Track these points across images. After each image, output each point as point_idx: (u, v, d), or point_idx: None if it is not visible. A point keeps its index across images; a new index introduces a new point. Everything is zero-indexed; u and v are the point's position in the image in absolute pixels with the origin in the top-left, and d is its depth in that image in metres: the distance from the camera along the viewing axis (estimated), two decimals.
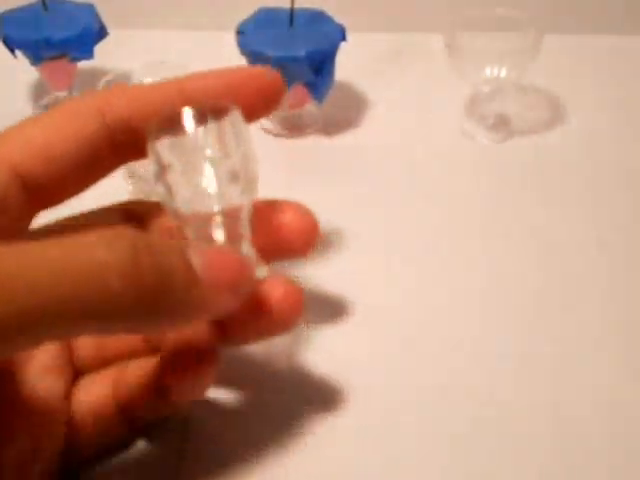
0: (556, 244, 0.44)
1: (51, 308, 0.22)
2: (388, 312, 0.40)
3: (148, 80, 0.47)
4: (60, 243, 0.23)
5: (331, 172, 0.49)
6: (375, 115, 0.54)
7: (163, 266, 0.24)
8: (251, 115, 0.31)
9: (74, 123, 0.29)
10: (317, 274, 0.41)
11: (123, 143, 0.30)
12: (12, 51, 0.50)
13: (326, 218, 0.45)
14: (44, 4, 0.51)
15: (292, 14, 0.49)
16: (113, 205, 0.33)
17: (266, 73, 0.32)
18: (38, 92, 0.55)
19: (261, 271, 0.30)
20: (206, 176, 0.29)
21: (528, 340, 0.39)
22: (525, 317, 0.40)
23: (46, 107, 0.54)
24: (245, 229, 0.30)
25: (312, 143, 0.52)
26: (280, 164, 0.49)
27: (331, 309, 0.40)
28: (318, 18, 0.50)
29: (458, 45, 0.48)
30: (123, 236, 0.24)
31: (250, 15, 0.51)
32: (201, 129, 0.29)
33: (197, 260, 0.25)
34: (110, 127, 0.29)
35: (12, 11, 0.51)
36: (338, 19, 0.50)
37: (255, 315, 0.29)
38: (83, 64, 0.51)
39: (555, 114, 0.53)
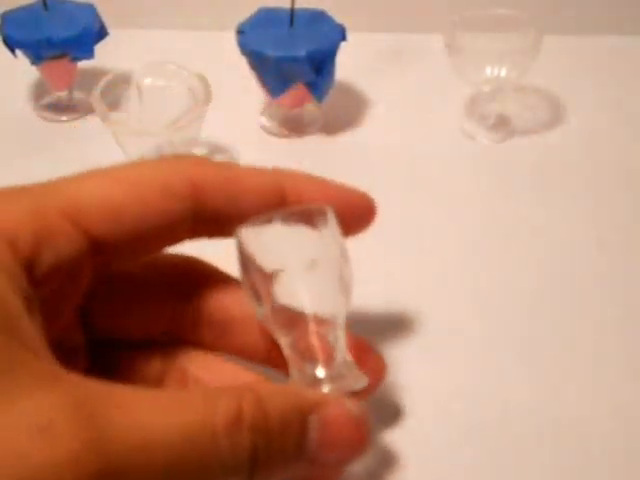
0: (556, 244, 0.44)
1: None
2: (387, 311, 0.40)
3: (148, 80, 0.47)
4: (182, 425, 0.22)
5: (331, 172, 0.49)
6: (375, 115, 0.54)
7: (277, 462, 0.23)
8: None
9: (164, 201, 0.27)
10: None
11: (205, 224, 0.28)
12: (12, 51, 0.50)
13: None
14: (44, 4, 0.51)
15: (292, 14, 0.49)
16: (172, 257, 0.31)
17: (365, 198, 0.32)
18: (38, 92, 0.55)
19: (361, 382, 0.28)
20: (302, 280, 0.27)
21: (528, 339, 0.39)
22: (525, 317, 0.40)
23: (47, 107, 0.54)
24: (342, 337, 0.28)
25: (312, 143, 0.52)
26: (280, 164, 0.49)
27: None
28: (318, 18, 0.50)
29: (458, 45, 0.48)
30: (243, 427, 0.23)
31: (250, 15, 0.51)
32: (298, 231, 0.28)
33: (315, 435, 0.24)
34: (198, 211, 0.28)
35: (12, 11, 0.51)
36: (338, 19, 0.50)
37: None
38: (83, 64, 0.51)
39: (555, 114, 0.53)
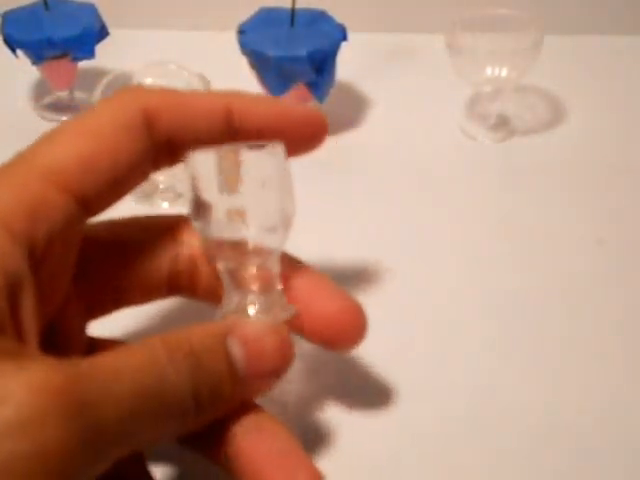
0: (556, 243, 0.44)
1: (130, 423, 0.23)
2: (387, 311, 0.40)
3: (149, 80, 0.47)
4: (141, 360, 0.25)
5: (331, 171, 0.49)
6: (376, 115, 0.54)
7: (214, 380, 0.26)
8: (291, 152, 0.31)
9: (129, 139, 0.28)
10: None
11: (162, 153, 0.29)
12: (13, 50, 0.50)
13: (325, 217, 0.46)
14: (45, 4, 0.51)
15: (293, 14, 0.49)
16: (154, 218, 0.32)
17: (316, 117, 0.32)
18: (39, 91, 0.55)
19: (288, 311, 0.29)
20: (244, 208, 0.28)
21: (528, 338, 0.39)
22: (525, 316, 0.40)
23: (47, 107, 0.54)
24: (276, 268, 0.29)
25: None
26: None
27: None
28: (319, 18, 0.50)
29: (458, 45, 0.48)
30: (182, 356, 0.25)
31: (251, 15, 0.51)
32: (244, 157, 0.28)
33: (239, 352, 0.27)
34: (155, 141, 0.29)
35: (13, 11, 0.51)
36: (339, 19, 0.50)
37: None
38: (84, 64, 0.51)
39: (555, 114, 0.54)
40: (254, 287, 0.29)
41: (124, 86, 0.30)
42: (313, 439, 0.34)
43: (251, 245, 0.29)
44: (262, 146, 0.29)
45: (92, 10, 0.52)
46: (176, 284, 0.32)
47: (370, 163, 0.50)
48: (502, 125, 0.52)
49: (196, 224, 0.29)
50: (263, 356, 0.27)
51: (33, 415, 0.21)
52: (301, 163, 0.50)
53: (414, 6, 0.61)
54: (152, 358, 0.25)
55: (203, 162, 0.28)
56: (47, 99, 0.54)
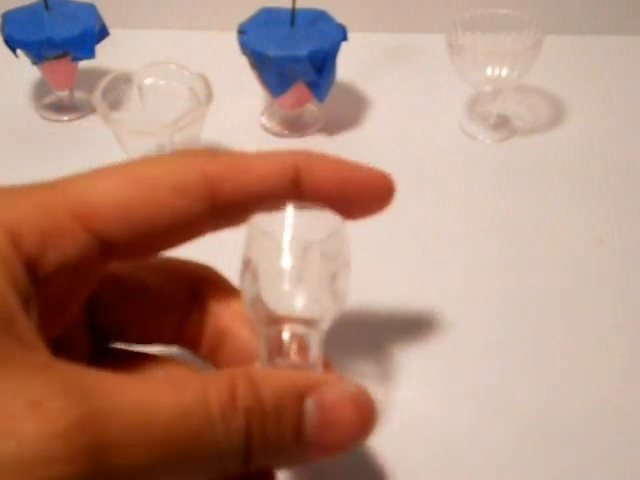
0: (557, 243, 0.44)
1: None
2: (389, 311, 0.40)
3: (149, 80, 0.47)
4: (182, 403, 0.22)
5: None
6: (376, 114, 0.54)
7: (273, 445, 0.23)
8: (356, 215, 0.30)
9: (178, 201, 0.26)
10: None
11: (224, 216, 0.28)
12: (14, 51, 0.50)
13: None
14: (46, 4, 0.51)
15: (294, 14, 0.49)
16: (182, 264, 0.30)
17: (383, 177, 0.31)
18: (39, 91, 0.55)
19: None
20: (297, 278, 0.27)
21: (529, 337, 0.39)
22: (525, 315, 0.40)
23: (47, 107, 0.54)
24: (317, 342, 0.27)
25: (313, 143, 0.52)
26: None
27: None
28: (319, 18, 0.50)
29: (459, 45, 0.48)
30: (237, 408, 0.22)
31: (251, 15, 0.51)
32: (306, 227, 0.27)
33: (313, 418, 0.24)
34: (215, 205, 0.27)
35: (14, 11, 0.51)
36: (339, 19, 0.50)
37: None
38: (84, 64, 0.51)
39: (555, 114, 0.54)
40: (291, 354, 0.27)
41: (190, 148, 0.29)
42: None
43: (295, 315, 0.27)
44: (326, 219, 0.28)
45: (92, 10, 0.52)
46: (181, 342, 0.30)
47: (370, 162, 0.50)
48: (502, 125, 0.52)
49: (244, 284, 0.28)
50: (338, 426, 0.24)
51: (39, 454, 0.20)
52: None
53: (414, 6, 0.61)
54: (200, 406, 0.22)
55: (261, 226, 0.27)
56: (47, 99, 0.54)
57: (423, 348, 0.38)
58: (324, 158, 0.30)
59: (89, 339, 0.30)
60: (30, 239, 0.24)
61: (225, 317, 0.30)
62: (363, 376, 0.37)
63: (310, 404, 0.24)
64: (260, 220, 0.27)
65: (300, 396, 0.24)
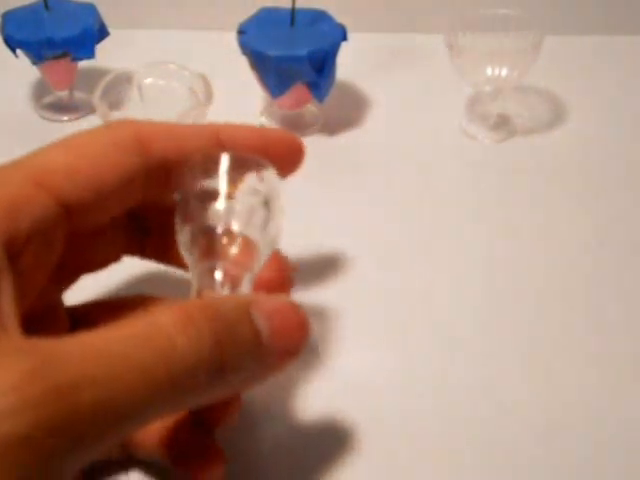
0: (556, 243, 0.44)
1: (137, 399, 0.22)
2: (387, 310, 0.40)
3: (149, 80, 0.47)
4: (135, 333, 0.23)
5: (332, 171, 0.50)
6: (376, 115, 0.54)
7: (238, 346, 0.25)
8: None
9: (117, 155, 0.29)
10: (317, 272, 0.41)
11: (155, 178, 0.30)
12: (13, 50, 0.50)
13: (326, 217, 0.46)
14: (45, 4, 0.51)
15: (293, 14, 0.49)
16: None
17: (294, 139, 0.34)
18: (39, 91, 0.55)
19: None
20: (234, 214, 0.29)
21: (528, 338, 0.39)
22: (525, 315, 0.40)
23: (47, 107, 0.54)
24: (249, 283, 0.29)
25: (312, 143, 0.51)
26: None
27: (332, 307, 0.40)
28: (319, 18, 0.50)
29: (459, 45, 0.48)
30: (198, 320, 0.24)
31: (251, 15, 0.51)
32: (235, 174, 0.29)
33: (264, 325, 0.26)
34: (149, 163, 0.30)
35: (13, 10, 0.51)
36: (339, 19, 0.50)
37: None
38: (84, 64, 0.51)
39: (555, 114, 0.54)
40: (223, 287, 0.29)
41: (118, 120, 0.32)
42: (314, 441, 0.34)
43: (228, 251, 0.29)
44: (260, 165, 0.30)
45: (92, 10, 0.52)
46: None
47: (370, 163, 0.50)
48: (502, 125, 0.52)
49: (178, 226, 0.30)
50: (286, 331, 0.27)
51: None
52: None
53: (414, 6, 0.61)
54: (154, 327, 0.24)
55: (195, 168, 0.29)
56: (47, 99, 0.54)
57: (422, 347, 0.38)
58: (240, 125, 0.34)
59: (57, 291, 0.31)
60: (0, 214, 0.25)
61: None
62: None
63: (259, 315, 0.26)
64: (195, 165, 0.30)
65: (246, 309, 0.26)
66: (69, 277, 0.33)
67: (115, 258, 0.34)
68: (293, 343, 0.27)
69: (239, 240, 0.29)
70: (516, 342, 0.39)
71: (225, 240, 0.29)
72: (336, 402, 0.35)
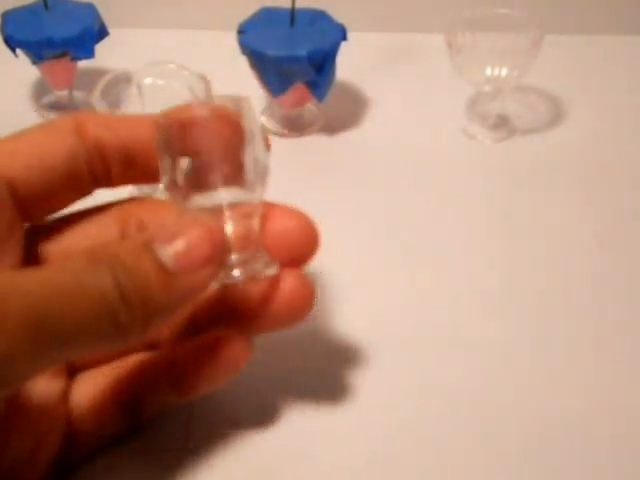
0: (556, 243, 0.44)
1: (48, 333, 0.24)
2: (386, 309, 0.40)
3: (149, 80, 0.47)
4: (51, 269, 0.26)
5: (332, 171, 0.50)
6: (376, 114, 0.54)
7: (139, 278, 0.26)
8: None
9: (54, 137, 0.30)
10: (317, 271, 0.41)
11: (98, 166, 0.31)
12: (13, 50, 0.50)
13: (326, 217, 0.46)
14: (45, 3, 0.51)
15: (293, 13, 0.49)
16: (109, 204, 0.33)
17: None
18: (39, 91, 0.55)
19: (272, 269, 0.30)
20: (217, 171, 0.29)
21: (529, 337, 0.39)
22: (526, 315, 0.40)
23: (47, 106, 0.54)
24: (256, 224, 0.30)
25: (312, 142, 0.52)
26: (280, 163, 0.49)
27: (331, 307, 0.40)
28: (319, 18, 0.50)
29: (459, 45, 0.48)
30: (102, 261, 0.26)
31: (251, 15, 0.51)
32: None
33: (165, 251, 0.27)
34: (87, 147, 0.31)
35: (13, 10, 0.51)
36: (339, 19, 0.50)
37: (269, 307, 0.31)
38: (83, 63, 0.51)
39: (555, 114, 0.54)
40: (234, 246, 0.29)
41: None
42: (311, 437, 0.34)
43: (227, 206, 0.29)
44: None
45: (92, 10, 0.52)
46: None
47: (370, 163, 0.50)
48: (502, 125, 0.52)
49: (171, 194, 0.29)
50: (192, 249, 0.27)
51: None
52: (301, 163, 0.50)
53: (414, 6, 0.61)
54: (65, 267, 0.25)
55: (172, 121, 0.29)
56: (47, 99, 0.54)
57: (421, 345, 0.38)
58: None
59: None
60: None
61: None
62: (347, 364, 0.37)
63: (160, 244, 0.27)
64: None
65: (148, 241, 0.27)
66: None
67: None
68: (203, 256, 0.27)
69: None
70: (515, 340, 0.39)
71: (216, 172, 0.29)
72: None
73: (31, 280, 0.24)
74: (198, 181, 0.29)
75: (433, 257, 0.43)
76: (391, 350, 0.38)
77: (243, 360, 0.31)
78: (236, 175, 0.29)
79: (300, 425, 0.35)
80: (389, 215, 0.46)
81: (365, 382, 0.36)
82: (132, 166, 0.32)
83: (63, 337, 0.24)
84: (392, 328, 0.39)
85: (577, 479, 0.33)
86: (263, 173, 0.30)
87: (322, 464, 0.33)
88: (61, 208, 0.32)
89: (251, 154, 0.29)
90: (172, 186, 0.29)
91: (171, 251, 0.27)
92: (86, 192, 0.32)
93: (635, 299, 0.41)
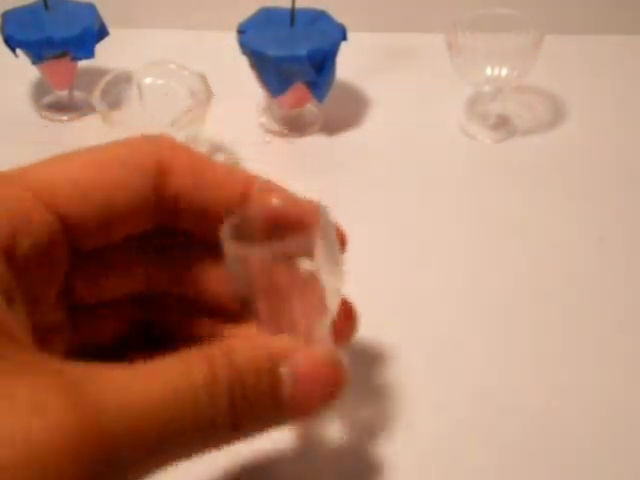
0: (556, 243, 0.44)
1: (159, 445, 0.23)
2: (386, 309, 0.40)
3: (149, 80, 0.47)
4: (165, 389, 0.23)
5: (332, 171, 0.50)
6: (376, 114, 0.54)
7: (254, 404, 0.25)
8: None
9: (130, 178, 0.27)
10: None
11: (166, 210, 0.29)
12: (13, 50, 0.50)
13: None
14: (45, 3, 0.51)
15: (293, 13, 0.49)
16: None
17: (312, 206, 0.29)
18: (39, 91, 0.55)
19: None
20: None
21: (529, 338, 0.39)
22: (525, 315, 0.40)
23: (47, 106, 0.54)
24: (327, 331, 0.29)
25: (312, 142, 0.52)
26: (280, 163, 0.50)
27: None
28: (319, 18, 0.50)
29: (459, 45, 0.48)
30: (219, 383, 0.24)
31: (251, 15, 0.51)
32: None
33: (288, 381, 0.25)
34: (160, 194, 0.28)
35: (13, 10, 0.51)
36: (339, 19, 0.50)
37: None
38: (84, 63, 0.51)
39: (555, 114, 0.54)
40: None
41: (147, 134, 0.29)
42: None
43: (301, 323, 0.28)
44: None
45: (92, 10, 0.52)
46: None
47: (370, 163, 0.50)
48: (502, 125, 0.52)
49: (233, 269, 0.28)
50: (314, 388, 0.26)
51: (45, 459, 0.20)
52: (301, 163, 0.50)
53: (414, 6, 0.61)
54: (188, 393, 0.23)
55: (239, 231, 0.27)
56: (47, 99, 0.54)
57: (421, 347, 0.38)
58: (275, 184, 0.30)
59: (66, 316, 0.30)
60: (1, 229, 0.25)
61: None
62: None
63: (285, 374, 0.25)
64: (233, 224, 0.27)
65: (275, 364, 0.25)
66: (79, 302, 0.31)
67: (133, 286, 0.31)
68: (320, 399, 0.26)
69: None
70: (515, 340, 0.39)
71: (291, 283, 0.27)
72: None
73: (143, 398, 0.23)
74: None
75: (433, 257, 0.43)
76: (391, 350, 0.38)
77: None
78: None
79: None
80: (389, 215, 0.46)
81: (365, 381, 0.36)
82: (202, 223, 0.29)
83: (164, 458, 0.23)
84: (392, 328, 0.39)
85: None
86: (338, 292, 0.29)
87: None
88: (109, 243, 0.29)
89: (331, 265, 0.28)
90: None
91: (293, 384, 0.25)
92: (141, 227, 0.29)
93: (636, 299, 0.41)
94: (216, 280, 0.30)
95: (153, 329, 0.32)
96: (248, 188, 0.29)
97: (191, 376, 0.24)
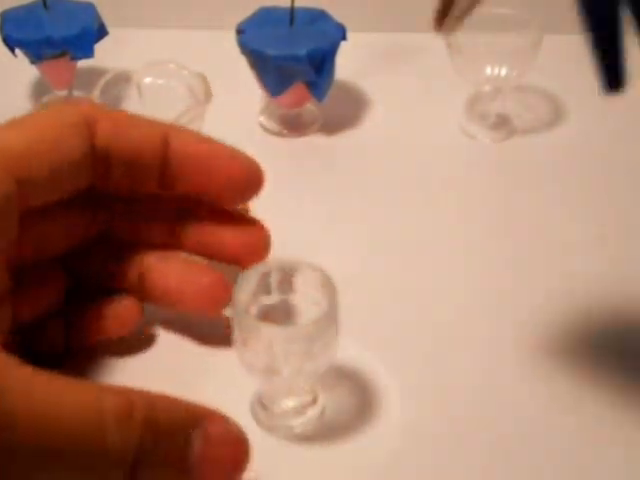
0: (556, 243, 0.44)
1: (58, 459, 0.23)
2: (386, 309, 0.40)
3: (148, 80, 0.47)
4: (74, 405, 0.23)
5: (331, 171, 0.49)
6: (375, 114, 0.54)
7: (160, 462, 0.25)
8: (222, 198, 0.34)
9: (65, 137, 0.30)
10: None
11: (100, 163, 0.31)
12: (12, 50, 0.50)
13: (325, 217, 0.46)
14: (44, 3, 0.51)
15: (292, 13, 0.49)
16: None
17: (250, 163, 0.34)
18: (38, 91, 0.55)
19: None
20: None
21: (529, 338, 0.39)
22: (525, 316, 0.40)
23: (47, 106, 0.54)
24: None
25: (312, 142, 0.51)
26: (280, 163, 0.49)
27: None
28: (318, 17, 0.50)
29: (458, 45, 0.48)
30: (135, 421, 0.24)
31: (250, 14, 0.51)
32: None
33: (197, 449, 0.25)
34: (95, 151, 0.31)
35: (12, 10, 0.51)
36: (338, 18, 0.50)
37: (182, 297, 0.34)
38: (83, 63, 0.51)
39: (555, 114, 0.53)
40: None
41: (69, 100, 0.33)
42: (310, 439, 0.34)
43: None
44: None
45: (91, 9, 0.51)
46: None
47: (370, 163, 0.50)
48: (502, 125, 0.52)
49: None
50: (218, 462, 0.26)
51: None
52: (300, 163, 0.50)
53: (414, 6, 0.60)
54: (95, 411, 0.24)
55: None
56: (46, 98, 0.54)
57: (420, 346, 0.38)
58: (193, 132, 0.35)
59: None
60: None
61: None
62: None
63: (197, 436, 0.25)
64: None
65: (190, 426, 0.25)
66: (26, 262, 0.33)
67: (72, 241, 0.34)
68: (224, 475, 0.26)
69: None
70: (516, 339, 0.39)
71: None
72: None
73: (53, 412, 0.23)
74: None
75: (433, 257, 0.43)
76: (391, 350, 0.38)
77: (131, 321, 0.33)
78: None
79: None
80: (389, 215, 0.46)
81: (364, 381, 0.36)
82: (132, 173, 0.32)
83: None
84: (391, 327, 0.39)
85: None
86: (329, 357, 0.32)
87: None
88: (53, 201, 0.32)
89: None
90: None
91: (201, 453, 0.25)
92: (82, 188, 0.32)
93: (636, 298, 0.41)
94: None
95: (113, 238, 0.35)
96: (167, 134, 0.33)
97: (105, 403, 0.24)
